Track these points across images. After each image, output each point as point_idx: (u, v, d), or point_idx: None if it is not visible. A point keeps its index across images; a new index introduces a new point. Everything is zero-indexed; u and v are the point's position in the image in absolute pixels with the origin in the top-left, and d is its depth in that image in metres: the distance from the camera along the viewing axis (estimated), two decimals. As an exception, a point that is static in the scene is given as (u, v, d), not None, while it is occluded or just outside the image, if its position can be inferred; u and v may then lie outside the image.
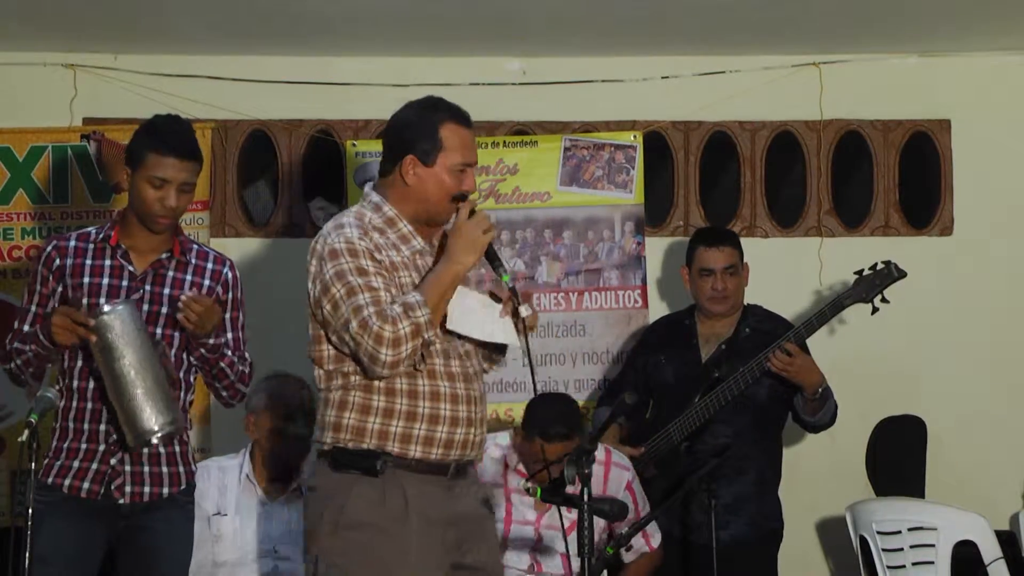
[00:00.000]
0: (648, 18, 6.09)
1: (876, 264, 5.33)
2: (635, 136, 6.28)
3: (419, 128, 3.78)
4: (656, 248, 6.49)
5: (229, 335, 4.37)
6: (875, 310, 5.32)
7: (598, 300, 6.16)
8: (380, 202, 3.81)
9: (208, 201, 6.25)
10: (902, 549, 5.59)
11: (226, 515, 5.08)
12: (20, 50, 6.39)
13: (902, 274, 5.33)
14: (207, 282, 4.34)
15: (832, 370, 6.36)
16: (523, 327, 3.82)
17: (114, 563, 4.28)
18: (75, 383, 4.23)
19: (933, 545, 5.54)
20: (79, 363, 4.22)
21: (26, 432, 3.86)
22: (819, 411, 5.35)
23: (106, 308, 4.08)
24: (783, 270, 6.52)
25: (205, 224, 6.20)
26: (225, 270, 4.39)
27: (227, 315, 4.36)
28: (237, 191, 6.61)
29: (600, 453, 5.30)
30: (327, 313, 3.71)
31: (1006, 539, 5.73)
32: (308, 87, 6.56)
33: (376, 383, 3.73)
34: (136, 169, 4.22)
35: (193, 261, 4.34)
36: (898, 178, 6.70)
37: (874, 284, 5.30)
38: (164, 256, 4.29)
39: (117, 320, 4.07)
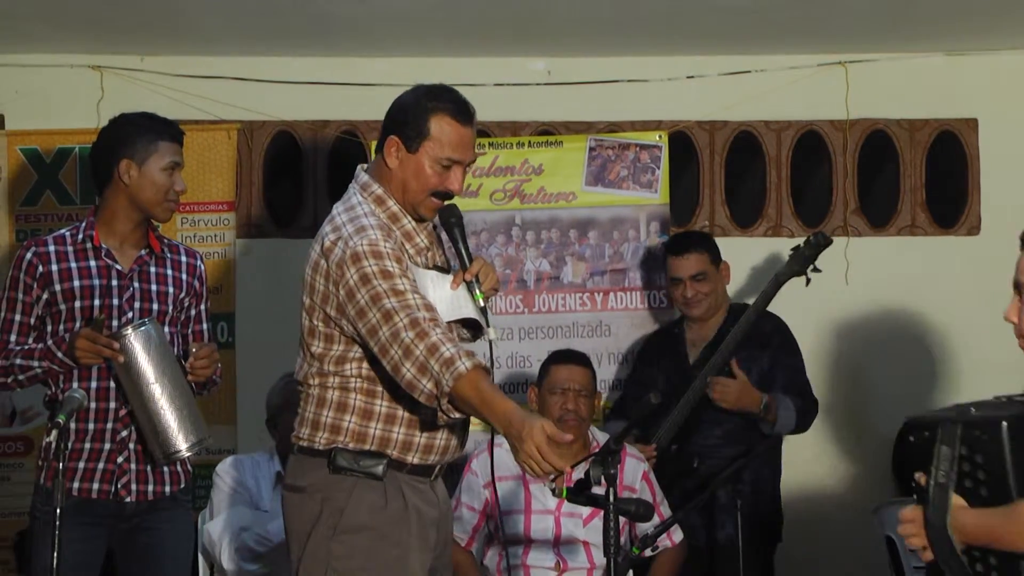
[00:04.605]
0: (673, 18, 6.08)
1: (809, 238, 5.41)
2: (660, 136, 6.26)
3: (411, 111, 3.61)
4: (681, 248, 6.47)
5: (205, 325, 4.42)
6: (808, 281, 5.38)
7: (623, 300, 6.15)
8: (383, 195, 3.64)
9: (234, 202, 6.27)
10: (929, 550, 5.56)
11: (267, 512, 5.09)
12: (47, 52, 6.42)
13: (828, 241, 5.39)
14: (184, 276, 4.35)
15: (858, 370, 6.38)
16: (485, 315, 3.68)
17: (113, 564, 4.26)
18: (75, 383, 4.16)
19: (960, 546, 5.52)
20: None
21: (54, 433, 3.84)
22: (775, 425, 5.33)
23: (129, 329, 4.05)
24: (809, 270, 6.51)
25: (231, 225, 6.22)
26: (197, 263, 4.42)
27: (201, 307, 4.40)
28: (262, 192, 6.63)
29: None
30: (352, 318, 3.54)
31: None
32: (333, 88, 6.56)
33: (379, 388, 3.62)
34: (147, 159, 4.21)
35: (169, 255, 4.35)
36: (925, 177, 6.67)
37: (805, 256, 5.38)
38: (144, 252, 4.29)
39: (142, 340, 4.05)
